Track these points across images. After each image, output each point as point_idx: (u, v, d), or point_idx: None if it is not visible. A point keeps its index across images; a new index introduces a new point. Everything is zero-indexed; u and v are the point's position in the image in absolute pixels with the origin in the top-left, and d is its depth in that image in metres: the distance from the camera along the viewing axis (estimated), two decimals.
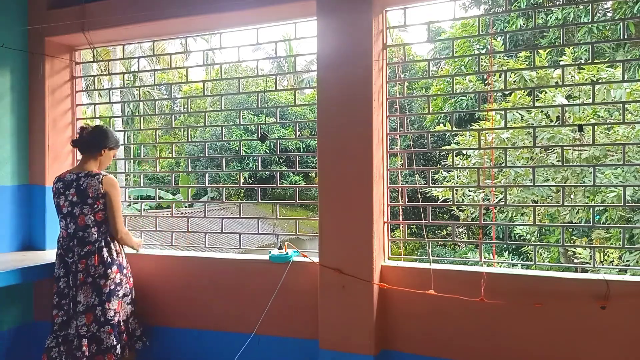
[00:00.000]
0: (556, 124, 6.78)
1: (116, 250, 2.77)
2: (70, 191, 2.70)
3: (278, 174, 3.51)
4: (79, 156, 3.62)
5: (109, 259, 2.71)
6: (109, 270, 2.69)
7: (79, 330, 2.64)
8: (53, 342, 2.70)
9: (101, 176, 2.72)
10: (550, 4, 9.02)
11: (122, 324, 2.77)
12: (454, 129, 6.46)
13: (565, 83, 5.03)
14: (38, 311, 3.40)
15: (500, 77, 7.15)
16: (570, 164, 6.50)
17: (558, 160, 6.67)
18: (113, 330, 2.69)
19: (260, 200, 3.38)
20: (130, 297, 2.85)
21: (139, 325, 2.91)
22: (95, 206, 2.69)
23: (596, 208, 6.67)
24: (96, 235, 2.70)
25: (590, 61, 6.57)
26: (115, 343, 2.68)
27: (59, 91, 3.46)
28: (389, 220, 2.75)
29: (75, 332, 2.65)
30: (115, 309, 2.71)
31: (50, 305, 2.76)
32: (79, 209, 2.68)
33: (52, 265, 2.82)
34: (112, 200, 2.72)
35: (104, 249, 2.70)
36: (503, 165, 4.49)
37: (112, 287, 2.70)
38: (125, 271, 2.82)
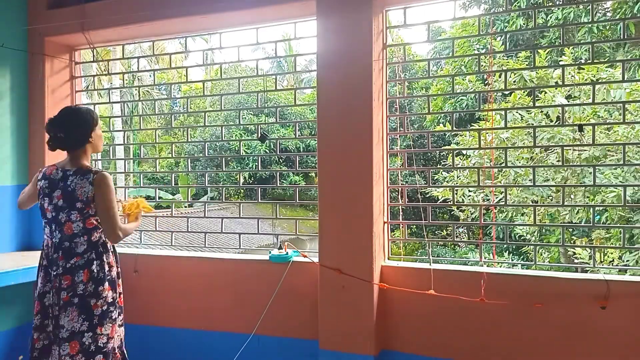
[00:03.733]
0: (556, 124, 6.78)
1: (109, 263, 2.33)
2: (56, 193, 2.26)
3: (278, 173, 3.51)
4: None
5: (101, 274, 2.27)
6: (101, 288, 2.26)
7: None
8: None
9: (92, 175, 2.25)
10: (550, 4, 9.01)
11: (116, 350, 2.37)
12: (454, 129, 6.46)
13: (565, 83, 5.03)
14: None
15: (500, 77, 7.15)
16: (570, 164, 6.50)
17: (558, 160, 6.67)
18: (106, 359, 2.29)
19: (260, 200, 3.38)
20: (122, 317, 2.43)
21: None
22: (85, 212, 2.24)
23: (596, 208, 6.67)
24: (85, 246, 2.25)
25: (590, 61, 6.57)
26: None
27: (58, 91, 3.46)
28: (389, 220, 2.75)
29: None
30: (108, 334, 2.28)
31: (32, 328, 2.34)
32: (65, 214, 2.24)
33: None
34: (105, 199, 2.25)
35: (95, 262, 2.26)
36: (503, 165, 4.49)
37: (105, 307, 2.26)
38: (118, 288, 2.39)
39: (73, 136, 2.31)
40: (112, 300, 2.31)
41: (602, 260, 6.77)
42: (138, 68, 3.90)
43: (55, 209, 2.26)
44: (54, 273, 2.25)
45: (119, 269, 2.44)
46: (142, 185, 5.38)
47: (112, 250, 2.38)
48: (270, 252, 2.89)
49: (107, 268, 2.31)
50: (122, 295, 2.44)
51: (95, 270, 2.26)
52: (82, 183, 2.23)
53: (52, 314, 2.25)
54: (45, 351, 2.28)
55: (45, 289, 2.29)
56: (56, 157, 3.40)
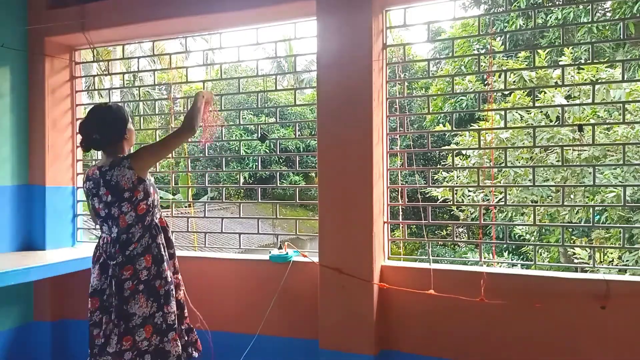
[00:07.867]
0: (556, 124, 6.78)
1: (162, 244, 2.36)
2: (102, 190, 2.25)
3: (278, 174, 3.51)
4: (84, 153, 3.63)
5: (159, 256, 2.31)
6: (161, 269, 2.31)
7: (138, 346, 2.23)
8: None
9: (127, 161, 2.25)
10: (550, 4, 9.02)
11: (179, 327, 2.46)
12: (454, 129, 6.46)
13: (565, 83, 5.03)
14: (38, 311, 3.40)
15: (500, 77, 7.15)
16: (570, 164, 6.50)
17: (558, 160, 6.67)
18: (179, 335, 2.40)
19: (260, 200, 3.38)
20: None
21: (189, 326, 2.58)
22: (134, 198, 2.24)
23: (596, 208, 6.67)
24: (141, 232, 2.29)
25: (590, 61, 6.57)
26: (181, 351, 2.36)
27: (59, 91, 3.46)
28: (389, 220, 2.75)
29: (115, 350, 2.21)
30: (174, 311, 2.35)
31: (89, 324, 2.35)
32: (116, 208, 2.24)
33: (52, 266, 2.81)
34: (151, 147, 2.35)
35: (152, 246, 2.31)
36: (503, 165, 4.49)
37: (167, 287, 2.32)
38: (174, 268, 2.47)
39: (109, 136, 2.31)
40: (170, 279, 2.35)
41: (602, 260, 6.77)
42: (138, 68, 3.90)
43: (106, 205, 2.26)
44: (112, 265, 2.27)
45: (173, 249, 2.49)
46: None
47: (160, 232, 2.39)
48: (270, 252, 2.89)
49: (162, 248, 2.35)
50: (179, 274, 2.51)
51: (154, 253, 2.30)
52: (122, 171, 2.22)
53: (112, 306, 2.26)
54: (103, 346, 2.27)
55: (104, 286, 2.30)
56: (56, 158, 3.42)
